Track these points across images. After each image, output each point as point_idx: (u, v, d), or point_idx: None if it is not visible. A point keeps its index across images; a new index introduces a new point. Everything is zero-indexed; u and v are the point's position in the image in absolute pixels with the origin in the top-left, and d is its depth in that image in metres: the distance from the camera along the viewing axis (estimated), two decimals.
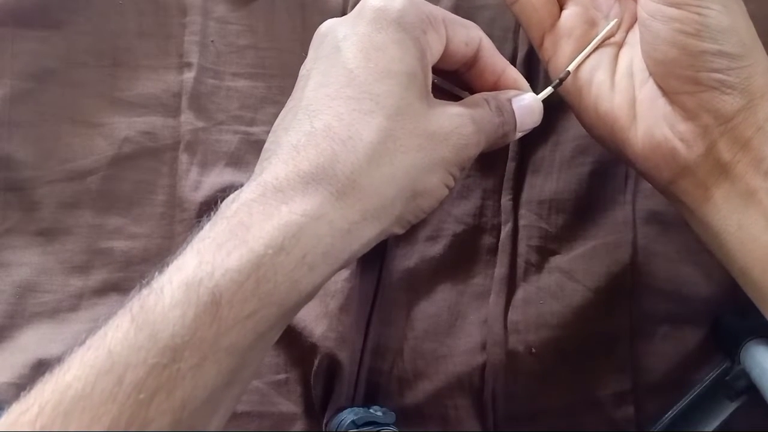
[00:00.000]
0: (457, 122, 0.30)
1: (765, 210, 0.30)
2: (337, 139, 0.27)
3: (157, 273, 0.26)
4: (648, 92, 0.32)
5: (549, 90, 0.34)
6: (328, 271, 0.27)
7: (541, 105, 0.34)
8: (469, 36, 0.32)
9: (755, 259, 0.30)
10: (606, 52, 0.34)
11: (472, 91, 0.34)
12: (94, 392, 0.23)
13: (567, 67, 0.34)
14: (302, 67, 0.31)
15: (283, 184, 0.27)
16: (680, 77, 0.31)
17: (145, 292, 0.25)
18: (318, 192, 0.27)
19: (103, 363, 0.24)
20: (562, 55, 0.35)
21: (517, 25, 0.42)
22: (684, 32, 0.30)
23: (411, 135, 0.28)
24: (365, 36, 0.29)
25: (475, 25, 0.33)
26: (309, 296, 0.27)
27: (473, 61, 0.33)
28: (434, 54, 0.31)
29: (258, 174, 0.28)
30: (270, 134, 0.30)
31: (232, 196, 0.28)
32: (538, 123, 0.34)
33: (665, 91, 0.32)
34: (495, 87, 0.34)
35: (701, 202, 0.32)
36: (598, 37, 0.34)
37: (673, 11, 0.30)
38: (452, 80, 0.35)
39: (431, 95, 0.31)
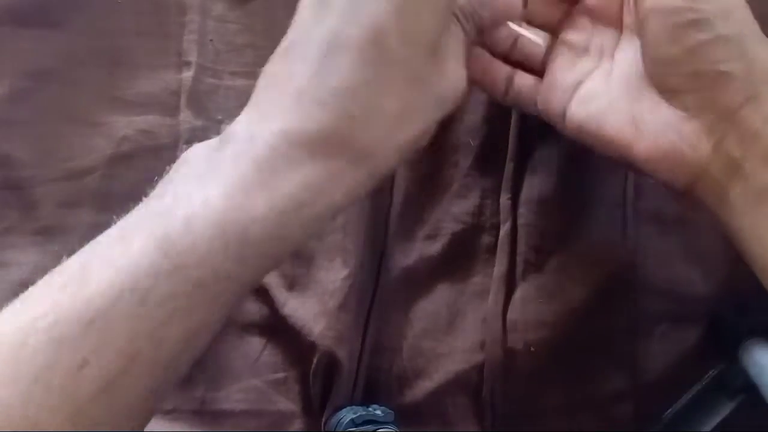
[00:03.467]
0: (457, 80, 0.31)
1: None
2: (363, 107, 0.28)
3: (180, 186, 0.27)
4: (647, 105, 0.32)
5: None
6: (331, 218, 0.29)
7: None
8: None
9: None
10: (595, 81, 0.34)
11: None
12: (116, 309, 0.25)
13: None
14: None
15: (294, 141, 0.27)
16: (681, 75, 0.30)
17: (169, 217, 0.26)
18: (329, 154, 0.27)
19: (127, 282, 0.25)
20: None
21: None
22: (680, 25, 0.29)
23: (419, 108, 0.29)
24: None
25: None
26: (314, 236, 0.29)
27: None
28: None
29: (263, 116, 0.29)
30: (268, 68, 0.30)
31: (241, 129, 0.29)
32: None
33: (667, 93, 0.31)
34: None
35: (719, 203, 0.31)
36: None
37: (668, 4, 0.30)
38: None
39: (442, 59, 0.31)
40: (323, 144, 0.27)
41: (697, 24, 0.29)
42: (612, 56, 0.34)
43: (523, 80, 0.36)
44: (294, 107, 0.28)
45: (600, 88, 0.34)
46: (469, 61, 0.33)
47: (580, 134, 0.34)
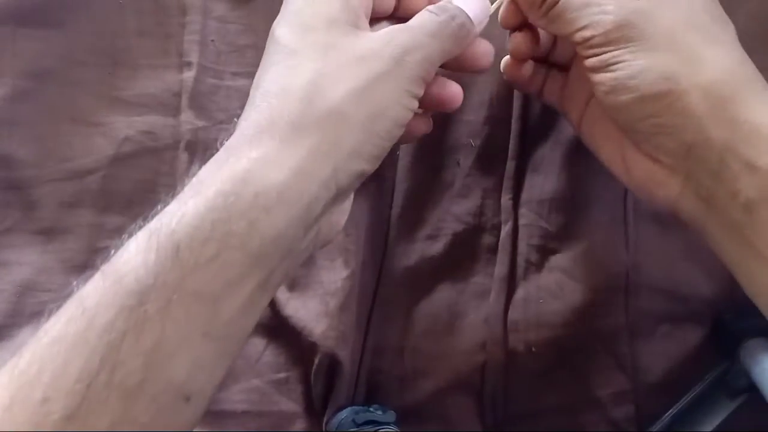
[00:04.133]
0: (387, 36, 0.30)
1: (751, 244, 0.29)
2: (271, 95, 0.29)
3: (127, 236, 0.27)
4: (628, 142, 0.32)
5: None
6: (290, 214, 0.27)
7: None
8: None
9: (759, 288, 0.30)
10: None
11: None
12: (67, 336, 0.25)
13: None
14: None
15: (231, 144, 0.28)
16: (630, 130, 0.31)
17: (113, 251, 0.27)
18: (262, 141, 0.28)
19: (74, 310, 0.25)
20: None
21: None
22: (607, 92, 0.30)
23: (340, 67, 0.29)
24: (287, 9, 0.31)
25: None
26: (278, 245, 0.27)
27: None
28: None
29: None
30: None
31: None
32: (489, 12, 0.33)
33: (628, 139, 0.32)
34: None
35: (700, 232, 0.32)
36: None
37: (595, 77, 0.31)
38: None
39: (365, 32, 0.31)
40: (246, 135, 0.28)
41: (615, 91, 0.30)
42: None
43: (554, 83, 0.37)
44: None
45: (601, 112, 0.34)
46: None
47: (588, 147, 0.36)
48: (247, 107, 0.29)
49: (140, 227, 0.27)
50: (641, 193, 0.33)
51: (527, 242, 0.41)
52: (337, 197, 0.29)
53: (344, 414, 0.38)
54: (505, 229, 0.41)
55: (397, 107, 0.29)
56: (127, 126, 0.42)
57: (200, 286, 0.26)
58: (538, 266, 0.41)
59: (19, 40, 0.42)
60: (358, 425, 0.37)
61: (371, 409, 0.39)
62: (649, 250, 0.41)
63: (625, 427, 0.40)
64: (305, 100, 0.28)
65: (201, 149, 0.42)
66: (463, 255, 0.42)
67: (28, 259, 0.41)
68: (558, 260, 0.41)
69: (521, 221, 0.41)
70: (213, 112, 0.42)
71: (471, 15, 0.32)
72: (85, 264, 0.42)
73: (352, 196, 0.32)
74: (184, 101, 0.42)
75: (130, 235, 0.27)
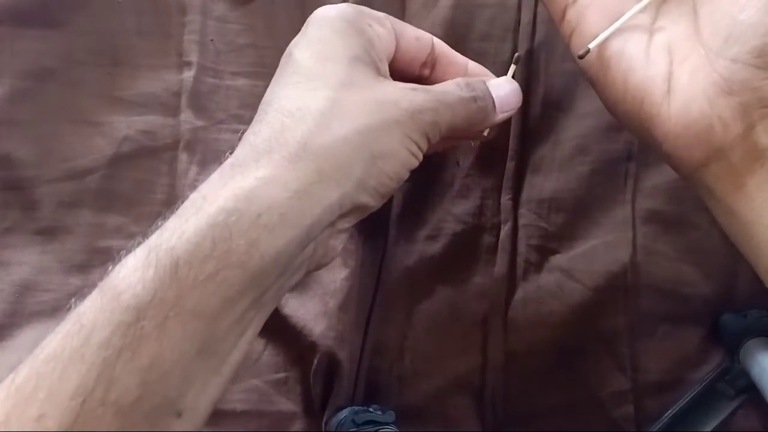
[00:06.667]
0: (408, 91, 0.30)
1: None
2: (285, 113, 0.29)
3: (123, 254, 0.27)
4: (690, 66, 0.29)
5: (512, 69, 0.34)
6: (290, 234, 0.27)
7: (518, 85, 0.34)
8: (418, 32, 0.34)
9: None
10: (639, 26, 0.31)
11: None
12: (63, 353, 0.24)
13: (590, 42, 0.31)
14: None
15: (239, 160, 0.28)
16: (752, 47, 0.27)
17: (111, 267, 0.26)
18: (271, 159, 0.27)
19: (71, 326, 0.25)
20: (587, 26, 0.31)
21: (517, 24, 0.41)
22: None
23: (358, 103, 0.29)
24: (310, 35, 0.31)
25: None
26: (276, 263, 0.27)
27: (433, 61, 0.34)
28: (385, 43, 0.32)
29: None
30: None
31: None
32: (519, 103, 0.34)
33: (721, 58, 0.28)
34: None
35: (732, 189, 0.29)
36: (629, 14, 0.31)
37: None
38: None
39: (386, 78, 0.31)
40: (255, 151, 0.28)
41: None
42: (657, 8, 0.31)
43: None
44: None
45: (642, 33, 0.31)
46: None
47: (605, 72, 0.31)
48: (256, 122, 0.29)
49: (139, 243, 0.27)
50: (680, 134, 0.29)
51: (527, 242, 0.41)
52: (338, 224, 0.29)
53: (344, 414, 0.38)
54: (505, 229, 0.41)
55: (404, 152, 0.30)
56: (126, 126, 0.42)
57: (198, 304, 0.25)
58: (538, 266, 0.41)
59: (18, 40, 0.42)
60: (357, 425, 0.37)
61: (371, 409, 0.39)
62: (650, 250, 0.41)
63: (624, 427, 0.40)
64: (320, 124, 0.28)
65: (200, 149, 0.42)
66: (462, 255, 0.42)
67: (27, 259, 0.41)
68: (557, 260, 0.41)
69: (521, 221, 0.41)
70: (212, 111, 0.42)
71: (499, 101, 0.33)
72: (85, 264, 0.42)
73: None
74: (184, 101, 0.42)
75: (129, 252, 0.26)
